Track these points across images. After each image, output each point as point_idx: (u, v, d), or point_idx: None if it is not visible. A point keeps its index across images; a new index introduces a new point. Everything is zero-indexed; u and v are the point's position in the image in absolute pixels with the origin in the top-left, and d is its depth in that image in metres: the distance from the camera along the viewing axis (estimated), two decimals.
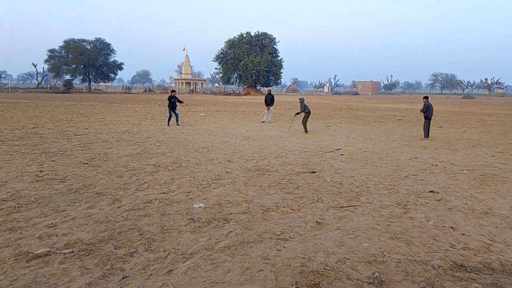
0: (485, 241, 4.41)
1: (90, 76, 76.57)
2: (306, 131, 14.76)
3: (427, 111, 13.52)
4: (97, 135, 12.68)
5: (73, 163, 8.18)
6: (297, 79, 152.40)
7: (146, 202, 5.60)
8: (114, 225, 4.68)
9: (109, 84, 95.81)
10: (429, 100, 13.83)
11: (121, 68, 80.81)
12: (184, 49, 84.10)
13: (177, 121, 16.73)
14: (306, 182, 6.99)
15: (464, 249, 4.18)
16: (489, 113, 30.33)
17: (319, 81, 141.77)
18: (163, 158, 8.98)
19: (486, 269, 3.72)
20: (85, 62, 71.77)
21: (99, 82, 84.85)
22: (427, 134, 13.59)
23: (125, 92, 70.37)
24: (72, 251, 3.90)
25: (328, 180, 7.21)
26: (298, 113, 15.37)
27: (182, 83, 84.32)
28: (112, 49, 77.38)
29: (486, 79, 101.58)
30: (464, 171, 8.20)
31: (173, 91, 17.29)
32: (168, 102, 16.77)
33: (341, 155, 10.00)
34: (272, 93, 19.77)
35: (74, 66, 72.52)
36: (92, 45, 74.58)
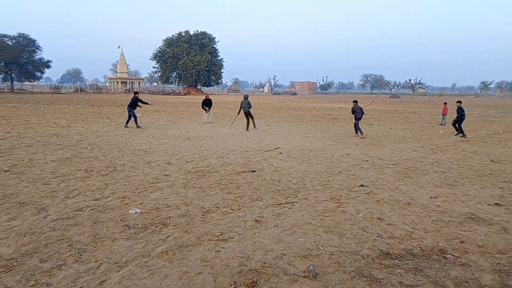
0: (408, 229, 4.82)
1: (12, 74, 69.62)
2: (254, 126, 15.67)
3: (355, 112, 14.80)
4: (21, 139, 11.59)
5: None
6: (238, 79, 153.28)
7: (77, 210, 5.25)
8: (39, 237, 4.32)
9: (35, 83, 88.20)
10: (357, 103, 15.09)
11: (48, 66, 74.64)
12: (119, 47, 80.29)
13: (136, 123, 16.21)
14: (247, 182, 7.07)
15: (390, 238, 4.53)
16: (412, 111, 33.20)
17: (259, 81, 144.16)
18: (96, 162, 8.48)
19: (408, 255, 4.07)
20: (6, 60, 64.94)
21: (24, 82, 77.62)
22: (360, 132, 14.54)
23: (54, 92, 65.16)
24: None
25: (267, 178, 7.37)
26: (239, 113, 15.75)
27: (118, 82, 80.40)
28: (38, 46, 71.14)
29: (410, 80, 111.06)
30: (390, 165, 8.89)
31: (136, 92, 17.02)
32: (132, 103, 16.17)
33: (280, 153, 10.27)
34: (210, 97, 19.94)
35: None
36: (14, 41, 67.76)
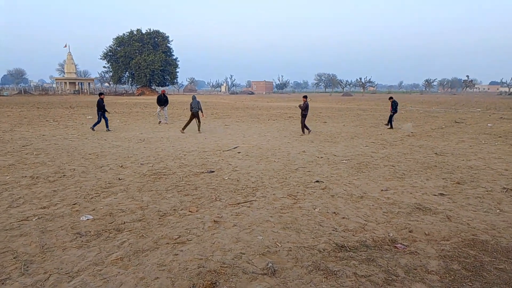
0: (361, 222, 5.04)
1: None
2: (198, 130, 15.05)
3: (306, 109, 14.51)
4: None
5: None
6: (194, 78, 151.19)
7: (22, 220, 4.91)
8: None
9: None
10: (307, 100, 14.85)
11: None
12: (66, 46, 75.88)
13: (107, 126, 15.41)
14: (205, 182, 7.01)
15: (344, 231, 4.71)
16: (363, 109, 34.66)
17: (216, 81, 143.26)
18: (43, 168, 7.98)
19: (362, 246, 4.26)
20: None
21: None
22: (307, 128, 14.84)
23: None
24: None
25: (226, 178, 7.35)
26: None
27: (66, 83, 76.11)
28: None
29: (360, 79, 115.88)
30: (344, 161, 9.23)
31: (101, 93, 16.18)
32: (97, 106, 15.28)
33: (238, 153, 10.28)
34: (166, 94, 19.30)
35: None
36: None
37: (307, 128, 14.86)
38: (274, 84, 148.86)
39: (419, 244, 4.34)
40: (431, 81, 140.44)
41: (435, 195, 6.38)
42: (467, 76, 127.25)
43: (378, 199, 6.10)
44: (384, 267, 3.73)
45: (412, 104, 42.74)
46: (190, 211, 5.37)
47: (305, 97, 14.91)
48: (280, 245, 4.21)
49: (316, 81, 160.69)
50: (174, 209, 5.45)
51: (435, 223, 5.01)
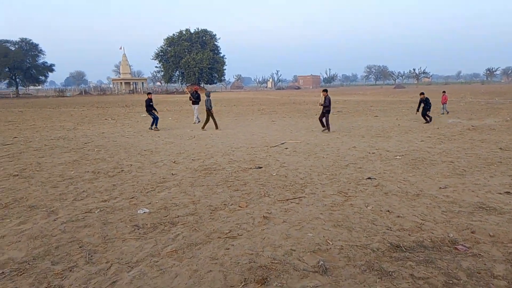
0: (418, 221, 4.78)
1: (17, 79, 70.34)
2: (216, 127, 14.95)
3: (329, 104, 13.39)
4: (28, 144, 11.70)
5: (1, 176, 7.48)
6: (240, 75, 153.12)
7: (86, 212, 5.29)
8: (50, 239, 4.36)
9: (40, 87, 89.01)
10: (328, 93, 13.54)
11: (52, 70, 75.32)
12: (121, 48, 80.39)
13: (156, 124, 15.47)
14: (253, 178, 7.07)
15: (399, 230, 4.50)
16: (418, 101, 32.87)
17: (262, 77, 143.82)
18: (103, 164, 8.53)
19: (419, 247, 4.04)
20: (10, 65, 65.72)
21: (28, 86, 78.44)
22: (327, 127, 13.57)
23: (58, 96, 65.72)
24: (3, 272, 3.58)
25: (274, 174, 7.35)
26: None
27: (121, 83, 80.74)
28: (41, 50, 71.84)
29: (414, 70, 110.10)
30: (398, 157, 8.82)
31: (149, 93, 16.42)
32: (146, 106, 15.55)
33: (286, 148, 10.24)
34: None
35: None
36: (17, 46, 68.49)
37: (327, 127, 13.58)
38: (322, 78, 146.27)
39: (483, 246, 4.03)
40: (493, 70, 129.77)
41: (500, 193, 5.88)
42: None
43: (436, 197, 5.76)
44: (444, 270, 3.51)
45: (472, 96, 39.80)
46: (240, 206, 5.45)
47: (325, 90, 13.64)
48: (331, 243, 4.13)
49: (366, 74, 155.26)
50: (224, 204, 5.56)
51: (501, 224, 4.62)
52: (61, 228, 4.71)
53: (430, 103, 16.36)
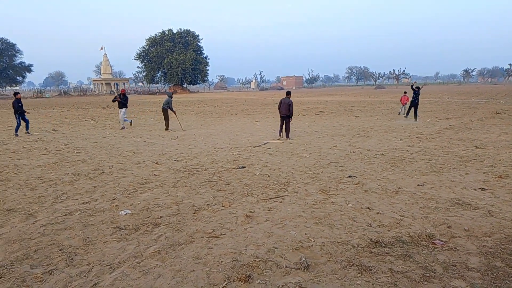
0: (397, 217, 4.92)
1: None
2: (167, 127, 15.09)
3: (281, 108, 11.74)
4: (5, 146, 11.37)
5: None
6: (224, 76, 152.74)
7: (66, 215, 5.20)
8: (29, 243, 4.27)
9: (17, 88, 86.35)
10: (289, 96, 11.80)
11: (30, 70, 73.23)
12: (101, 48, 77.93)
13: (27, 128, 14.23)
14: (237, 178, 7.09)
15: (379, 227, 4.61)
16: (397, 102, 33.57)
17: (245, 78, 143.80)
18: (83, 166, 8.38)
19: (397, 242, 4.15)
20: None
21: (5, 87, 75.95)
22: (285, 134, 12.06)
23: (37, 96, 63.99)
24: None
25: (257, 173, 7.40)
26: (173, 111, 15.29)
27: (102, 83, 79.32)
28: (18, 50, 69.74)
29: (394, 70, 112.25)
30: (378, 155, 9.01)
31: (16, 93, 14.37)
32: (13, 108, 13.86)
33: (269, 148, 10.30)
34: (126, 93, 16.98)
35: None
36: None
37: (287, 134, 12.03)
38: (304, 78, 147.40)
39: (459, 240, 4.18)
40: (469, 70, 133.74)
41: (475, 189, 6.10)
42: (510, 64, 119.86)
43: (414, 194, 5.92)
44: (421, 263, 3.63)
45: (449, 95, 40.92)
46: (223, 206, 5.46)
47: (289, 93, 11.96)
48: (313, 240, 4.20)
49: (347, 74, 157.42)
50: (207, 204, 5.56)
51: (475, 219, 4.81)
52: (40, 231, 4.62)
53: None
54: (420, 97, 18.99)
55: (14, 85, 74.88)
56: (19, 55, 70.23)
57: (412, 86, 17.42)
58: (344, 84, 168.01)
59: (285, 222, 4.78)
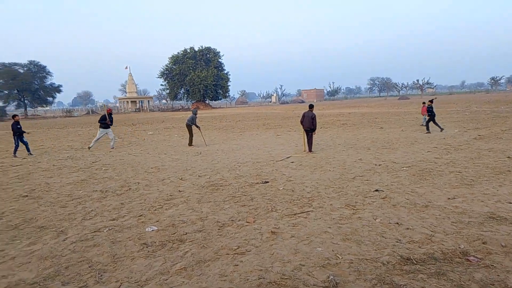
0: (427, 233, 4.74)
1: (25, 101, 71.58)
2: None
3: (304, 121, 11.86)
4: (37, 164, 11.84)
5: (11, 197, 7.57)
6: (245, 91, 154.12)
7: (95, 231, 5.32)
8: (60, 259, 4.39)
9: (48, 108, 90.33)
10: (312, 109, 12.10)
11: (59, 91, 76.57)
12: (126, 68, 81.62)
13: (28, 150, 14.32)
14: (260, 193, 7.07)
15: (409, 243, 4.46)
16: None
17: (266, 92, 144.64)
18: (111, 183, 8.59)
19: (430, 259, 3.99)
20: (19, 87, 67.04)
21: (37, 107, 79.63)
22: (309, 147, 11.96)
23: (66, 116, 66.67)
24: None
25: (281, 188, 7.35)
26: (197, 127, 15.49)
27: (127, 102, 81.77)
28: (48, 72, 73.23)
29: (418, 80, 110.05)
30: (404, 168, 8.78)
31: (15, 115, 14.73)
32: (12, 131, 14.12)
33: (292, 162, 10.25)
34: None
35: (6, 92, 67.58)
36: (25, 68, 69.92)
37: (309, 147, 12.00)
38: (325, 91, 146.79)
39: (495, 257, 3.97)
40: (497, 78, 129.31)
41: (510, 202, 5.82)
42: None
43: (445, 208, 5.70)
44: (456, 282, 3.46)
45: (477, 104, 39.63)
46: (247, 222, 5.44)
47: (311, 106, 12.32)
48: (340, 257, 4.10)
49: (369, 86, 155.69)
50: (232, 220, 5.56)
51: None
52: (70, 248, 4.73)
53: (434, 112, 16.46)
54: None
55: (45, 105, 78.31)
56: (50, 77, 73.76)
57: (431, 101, 16.75)
58: (366, 95, 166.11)
59: (311, 238, 4.70)
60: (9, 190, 8.21)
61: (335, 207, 5.98)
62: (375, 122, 23.59)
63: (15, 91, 68.15)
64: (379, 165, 9.35)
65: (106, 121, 14.88)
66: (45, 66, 72.96)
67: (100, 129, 15.09)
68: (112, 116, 15.39)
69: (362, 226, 5.06)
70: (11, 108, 75.24)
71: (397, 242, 4.49)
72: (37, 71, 71.62)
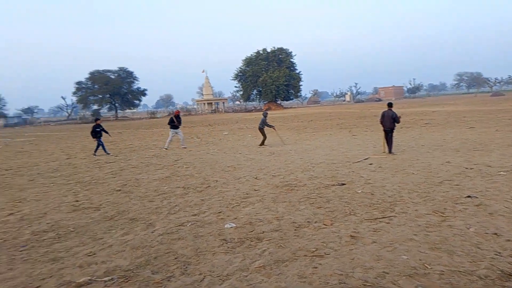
0: None
1: (116, 104, 79.65)
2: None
3: (384, 121, 11.42)
4: (127, 162, 13.04)
5: (106, 191, 8.43)
6: (317, 90, 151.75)
7: (179, 225, 5.67)
8: (149, 250, 4.76)
9: (135, 110, 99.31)
10: (392, 108, 11.57)
11: (144, 94, 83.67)
12: (203, 71, 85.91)
13: (104, 150, 15.45)
14: (337, 195, 6.88)
15: (511, 256, 3.96)
16: None
17: (339, 90, 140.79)
18: (192, 180, 9.10)
19: None
20: (111, 91, 74.99)
21: (125, 109, 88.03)
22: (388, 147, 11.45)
23: (150, 117, 72.55)
24: (112, 279, 3.99)
25: (359, 191, 7.07)
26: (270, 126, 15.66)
27: (204, 103, 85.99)
28: (135, 77, 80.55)
29: None
30: (502, 173, 7.83)
31: (97, 119, 16.22)
32: (93, 132, 15.36)
33: (370, 164, 9.80)
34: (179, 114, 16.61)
35: (100, 96, 76.15)
36: (116, 74, 77.98)
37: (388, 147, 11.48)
38: (405, 88, 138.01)
39: None
40: None
41: None
42: None
43: None
44: None
45: None
46: (324, 224, 5.33)
47: (391, 104, 11.79)
48: (429, 267, 3.79)
49: (456, 82, 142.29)
50: (308, 221, 5.49)
51: None
52: (158, 239, 5.11)
53: None
54: None
55: (132, 107, 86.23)
56: (136, 81, 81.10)
57: None
58: (452, 92, 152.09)
59: (394, 245, 4.42)
60: (105, 185, 9.17)
61: (421, 213, 5.56)
62: (464, 121, 21.47)
63: (108, 95, 76.20)
64: (471, 168, 8.47)
65: (174, 123, 16.06)
66: (132, 72, 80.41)
67: (171, 130, 16.30)
68: (180, 117, 16.60)
69: (453, 235, 4.63)
70: (103, 111, 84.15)
71: (496, 254, 4.02)
72: (125, 76, 79.25)
